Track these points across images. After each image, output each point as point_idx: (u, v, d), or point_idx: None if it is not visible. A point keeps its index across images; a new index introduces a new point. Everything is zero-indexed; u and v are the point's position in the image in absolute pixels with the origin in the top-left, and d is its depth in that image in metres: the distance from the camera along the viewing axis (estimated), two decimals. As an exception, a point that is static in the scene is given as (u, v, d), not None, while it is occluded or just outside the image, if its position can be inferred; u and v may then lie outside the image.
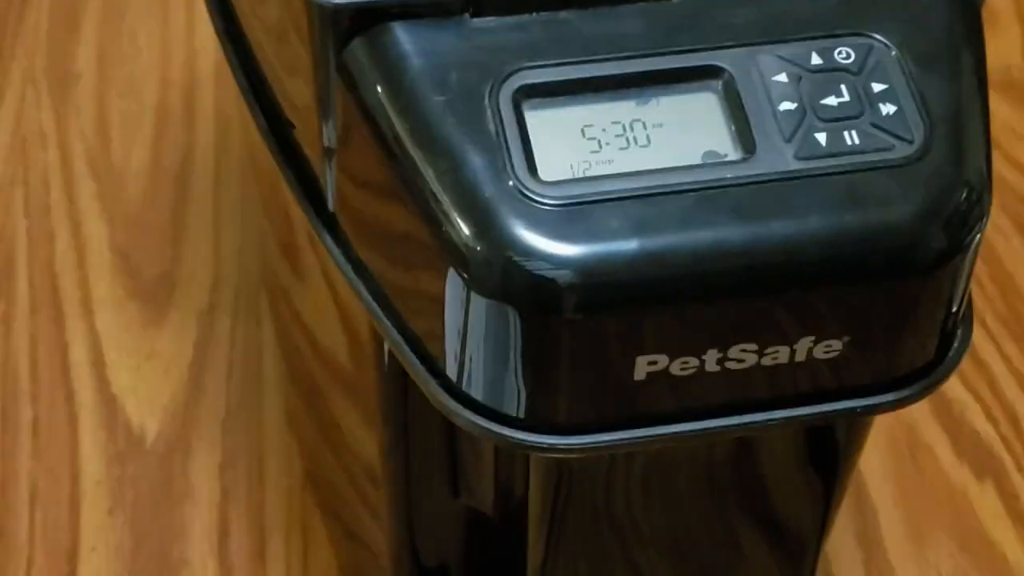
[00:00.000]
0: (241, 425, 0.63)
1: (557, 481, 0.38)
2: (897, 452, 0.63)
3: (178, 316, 0.67)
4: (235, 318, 0.67)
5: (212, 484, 0.61)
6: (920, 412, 0.65)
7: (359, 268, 0.38)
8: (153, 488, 0.60)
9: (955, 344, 0.37)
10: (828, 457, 0.40)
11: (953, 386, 0.66)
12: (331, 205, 0.39)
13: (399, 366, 0.39)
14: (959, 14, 0.36)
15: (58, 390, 0.64)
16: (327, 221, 0.39)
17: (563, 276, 0.32)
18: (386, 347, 0.40)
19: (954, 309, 0.36)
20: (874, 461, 0.63)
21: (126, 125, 0.76)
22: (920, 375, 0.36)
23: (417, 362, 0.36)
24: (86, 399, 0.64)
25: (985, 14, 0.88)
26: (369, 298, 0.37)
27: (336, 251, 0.39)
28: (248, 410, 0.63)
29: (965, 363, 0.66)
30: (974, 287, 0.69)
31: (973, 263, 0.36)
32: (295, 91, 0.40)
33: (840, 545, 0.60)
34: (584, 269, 0.32)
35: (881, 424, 0.64)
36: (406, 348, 0.36)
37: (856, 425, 0.40)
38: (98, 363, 0.65)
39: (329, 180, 0.38)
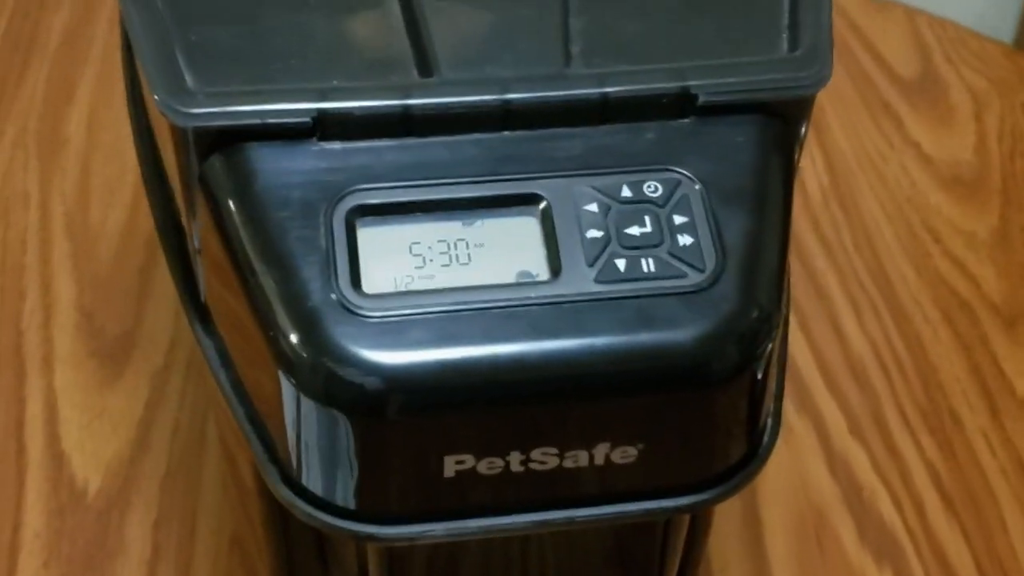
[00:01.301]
0: (179, 485, 0.66)
1: (390, 564, 0.42)
2: (804, 535, 0.66)
3: (133, 375, 0.71)
4: (186, 379, 0.71)
5: (145, 540, 0.64)
6: (832, 496, 0.67)
7: (225, 360, 0.42)
8: (88, 543, 0.64)
9: (761, 447, 0.40)
10: (651, 556, 0.43)
11: (866, 472, 0.68)
12: (203, 298, 0.42)
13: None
14: (769, 155, 0.39)
15: (10, 443, 0.68)
16: (200, 314, 0.43)
17: (374, 383, 0.36)
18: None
19: (751, 417, 0.39)
20: (780, 542, 0.65)
21: (107, 188, 0.80)
22: (724, 477, 0.39)
23: (261, 452, 0.40)
24: (35, 454, 0.67)
25: (943, 108, 0.91)
26: (228, 389, 0.41)
27: (205, 341, 0.42)
28: (188, 470, 0.67)
29: (879, 448, 0.69)
30: (896, 375, 0.72)
31: (765, 382, 0.39)
32: (179, 196, 0.43)
33: (738, 623, 0.62)
34: (393, 377, 0.36)
35: (792, 507, 0.67)
36: (254, 439, 0.40)
37: (674, 524, 0.43)
38: (51, 420, 0.69)
39: (199, 276, 0.42)
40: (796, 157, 0.41)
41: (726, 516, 0.66)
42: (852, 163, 0.85)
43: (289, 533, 0.48)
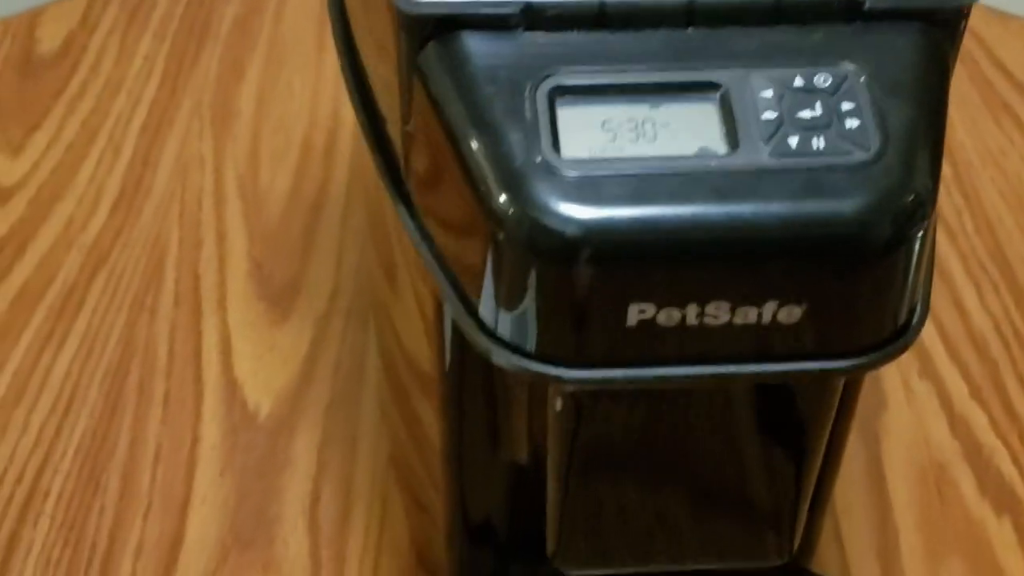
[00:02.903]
0: (341, 413, 0.72)
1: (569, 418, 0.46)
2: (925, 484, 0.69)
3: (298, 317, 0.77)
4: (346, 323, 0.76)
5: (310, 457, 0.70)
6: (953, 454, 0.71)
7: (425, 235, 0.47)
8: (260, 457, 0.69)
9: (912, 324, 0.44)
10: (797, 421, 0.47)
11: (985, 432, 0.72)
12: (407, 184, 0.48)
13: (455, 331, 0.48)
14: (927, 57, 0.44)
15: (189, 371, 0.74)
16: (404, 198, 0.48)
17: (572, 232, 0.40)
18: (447, 319, 0.49)
19: (904, 289, 0.43)
20: (902, 489, 0.69)
21: (274, 156, 0.87)
22: (877, 347, 0.44)
23: (462, 309, 0.45)
24: (211, 380, 0.73)
25: None
26: (431, 259, 0.46)
27: (409, 222, 0.47)
28: (348, 401, 0.72)
29: (999, 412, 0.72)
30: (1016, 347, 0.75)
31: (920, 258, 0.43)
32: (388, 91, 0.49)
33: (861, 559, 0.66)
34: (589, 227, 0.41)
35: (914, 460, 0.71)
36: (455, 298, 0.45)
37: (820, 391, 0.47)
38: (226, 351, 0.75)
39: (405, 160, 0.47)
40: (951, 63, 0.45)
41: (850, 463, 0.70)
42: (973, 157, 0.89)
43: (461, 423, 0.53)
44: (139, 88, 0.92)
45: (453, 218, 0.45)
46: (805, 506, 0.50)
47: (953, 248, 0.82)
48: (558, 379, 0.43)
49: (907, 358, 0.75)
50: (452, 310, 0.45)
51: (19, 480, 0.68)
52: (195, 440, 0.70)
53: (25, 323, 0.75)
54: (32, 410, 0.71)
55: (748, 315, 0.42)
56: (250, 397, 0.72)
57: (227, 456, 0.69)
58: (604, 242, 0.41)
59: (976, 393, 0.74)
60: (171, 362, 0.74)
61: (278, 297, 0.78)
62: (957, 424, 0.72)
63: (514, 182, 0.41)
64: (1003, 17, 1.01)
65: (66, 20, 0.98)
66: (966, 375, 0.75)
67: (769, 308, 0.42)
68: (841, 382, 0.47)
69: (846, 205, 0.41)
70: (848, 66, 0.43)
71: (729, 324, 0.42)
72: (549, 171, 0.41)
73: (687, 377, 0.43)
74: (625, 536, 0.50)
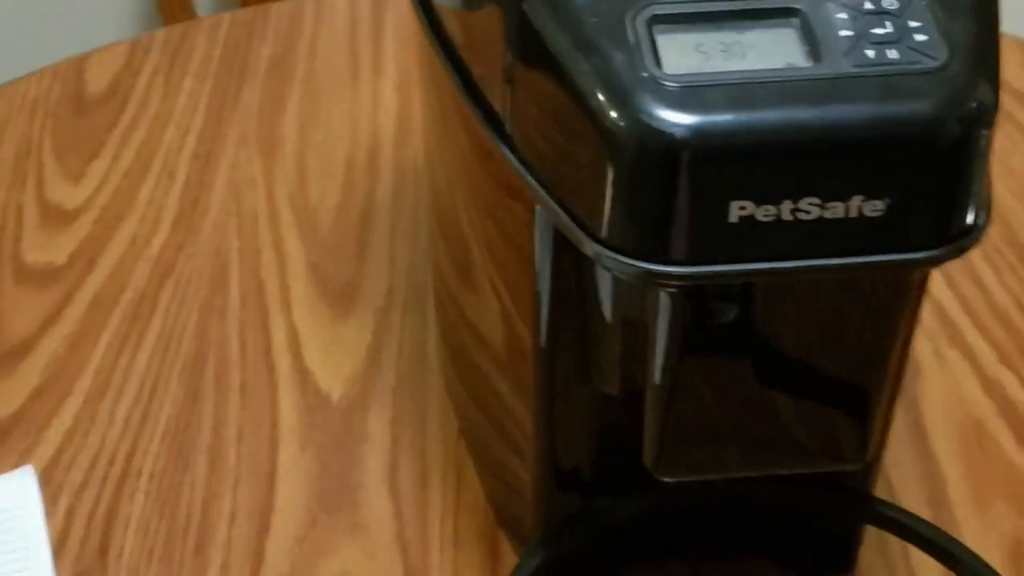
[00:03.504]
0: (408, 392, 0.76)
1: (675, 316, 0.50)
2: (966, 439, 0.74)
3: (359, 312, 0.81)
4: (405, 315, 0.80)
5: (384, 432, 0.73)
6: (989, 411, 0.75)
7: (527, 166, 0.51)
8: (337, 434, 0.73)
9: (978, 224, 0.49)
10: (876, 318, 0.52)
11: (1017, 392, 0.76)
12: (507, 125, 0.52)
13: (553, 260, 0.52)
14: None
15: (261, 362, 0.78)
16: (504, 138, 0.53)
17: (680, 133, 0.45)
18: (539, 255, 0.53)
19: (972, 185, 0.48)
20: (945, 444, 0.73)
21: (320, 175, 0.91)
22: (949, 241, 0.48)
23: (569, 220, 0.49)
24: (284, 370, 0.77)
25: None
26: (536, 185, 0.51)
27: (511, 157, 0.52)
28: (414, 381, 0.76)
29: (1032, 377, 0.77)
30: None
31: (985, 158, 0.48)
32: (483, 43, 0.54)
33: (913, 506, 0.70)
34: (693, 129, 0.45)
35: (953, 418, 0.75)
36: (561, 213, 0.49)
37: (897, 286, 0.51)
38: (294, 344, 0.79)
39: (507, 103, 0.52)
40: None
41: (893, 424, 0.74)
42: (982, 156, 0.94)
43: (552, 357, 0.57)
44: (187, 121, 0.96)
45: (562, 142, 0.50)
46: (880, 407, 0.54)
47: (969, 235, 0.87)
48: (668, 275, 0.48)
49: (936, 329, 0.81)
50: (559, 224, 0.50)
51: (111, 462, 0.71)
52: (274, 422, 0.74)
53: (102, 327, 0.79)
54: (117, 402, 0.75)
55: (837, 210, 0.47)
56: (322, 383, 0.76)
57: (306, 434, 0.73)
58: (706, 144, 0.46)
59: (1005, 359, 0.79)
60: (244, 356, 0.78)
61: (338, 296, 0.82)
62: (990, 386, 0.77)
63: (624, 96, 0.46)
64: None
65: (111, 65, 1.03)
66: (993, 343, 0.80)
67: (855, 203, 0.47)
68: (918, 277, 0.51)
69: (920, 106, 0.46)
70: (912, -9, 0.48)
71: (820, 219, 0.47)
72: (654, 84, 0.46)
73: (785, 270, 0.48)
74: (720, 439, 0.54)
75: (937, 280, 0.84)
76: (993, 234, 0.88)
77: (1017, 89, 1.01)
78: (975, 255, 0.85)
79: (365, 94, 1.00)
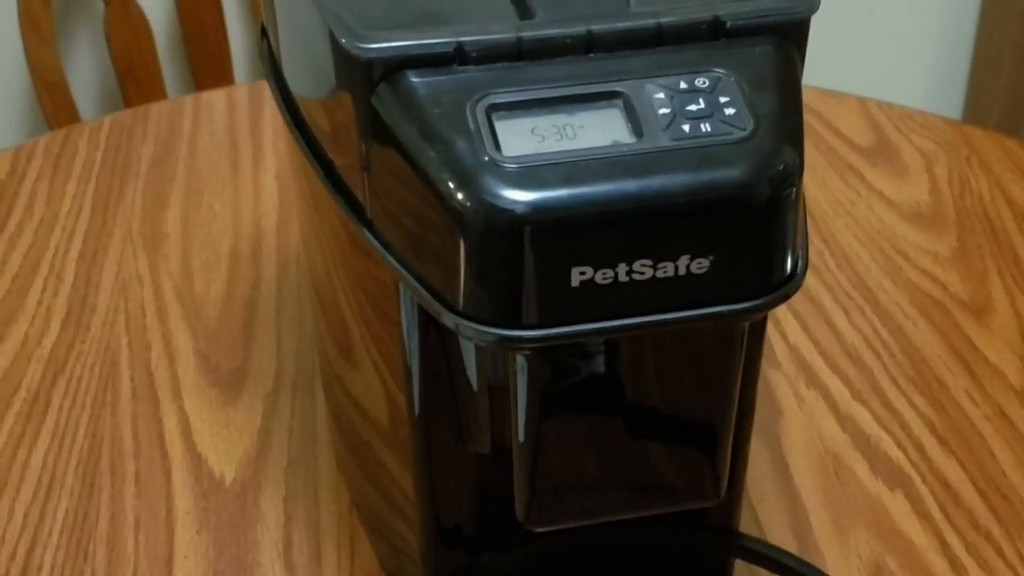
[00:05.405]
0: (300, 470, 0.79)
1: (530, 376, 0.55)
2: (825, 472, 0.79)
3: (249, 397, 0.84)
4: (294, 396, 0.84)
5: (278, 510, 0.77)
6: (845, 445, 0.81)
7: (388, 247, 0.56)
8: (231, 515, 0.76)
9: (797, 272, 0.54)
10: (713, 365, 0.57)
11: (870, 426, 0.82)
12: (367, 209, 0.57)
13: (422, 338, 0.57)
14: (781, 60, 0.55)
15: (155, 451, 0.80)
16: (365, 222, 0.57)
17: (520, 210, 0.50)
18: (407, 329, 0.57)
19: (787, 239, 0.53)
20: (806, 478, 0.78)
21: (205, 267, 0.95)
22: (771, 290, 0.53)
23: (428, 296, 0.53)
24: (177, 456, 0.80)
25: (898, 165, 1.07)
26: (396, 265, 0.55)
27: (372, 240, 0.56)
28: (306, 460, 0.80)
29: (880, 408, 0.83)
30: (886, 356, 0.86)
31: (795, 215, 0.53)
32: (340, 135, 0.58)
33: (779, 538, 0.75)
34: (534, 206, 0.50)
35: (812, 453, 0.80)
36: (421, 289, 0.54)
37: (729, 334, 0.56)
38: (186, 431, 0.82)
39: (366, 189, 0.56)
40: (800, 66, 0.56)
41: (757, 461, 0.79)
42: (827, 208, 1.01)
43: (429, 421, 0.61)
44: (72, 223, 1.00)
45: (416, 224, 0.54)
46: (728, 445, 0.59)
47: (820, 281, 0.93)
48: (520, 339, 0.52)
49: (793, 371, 0.86)
50: (420, 300, 0.54)
51: (11, 557, 0.73)
52: (170, 508, 0.77)
53: (-4, 428, 0.82)
54: (15, 499, 0.77)
55: (667, 269, 0.52)
56: (215, 467, 0.79)
57: (201, 517, 0.76)
58: (544, 218, 0.50)
59: (857, 395, 0.84)
60: (137, 446, 0.81)
61: (228, 382, 0.85)
62: (845, 421, 0.82)
63: (469, 178, 0.51)
64: (837, 95, 1.15)
65: (-7, 173, 1.06)
66: (846, 381, 0.85)
67: (683, 262, 0.52)
68: (747, 325, 0.56)
69: (732, 172, 0.51)
70: (721, 71, 0.54)
71: (653, 278, 0.52)
72: (495, 167, 0.51)
73: (625, 327, 0.52)
74: (586, 487, 0.58)
75: (793, 326, 0.90)
76: (842, 279, 0.94)
77: (859, 144, 1.08)
78: (826, 300, 0.91)
79: (246, 186, 1.04)
